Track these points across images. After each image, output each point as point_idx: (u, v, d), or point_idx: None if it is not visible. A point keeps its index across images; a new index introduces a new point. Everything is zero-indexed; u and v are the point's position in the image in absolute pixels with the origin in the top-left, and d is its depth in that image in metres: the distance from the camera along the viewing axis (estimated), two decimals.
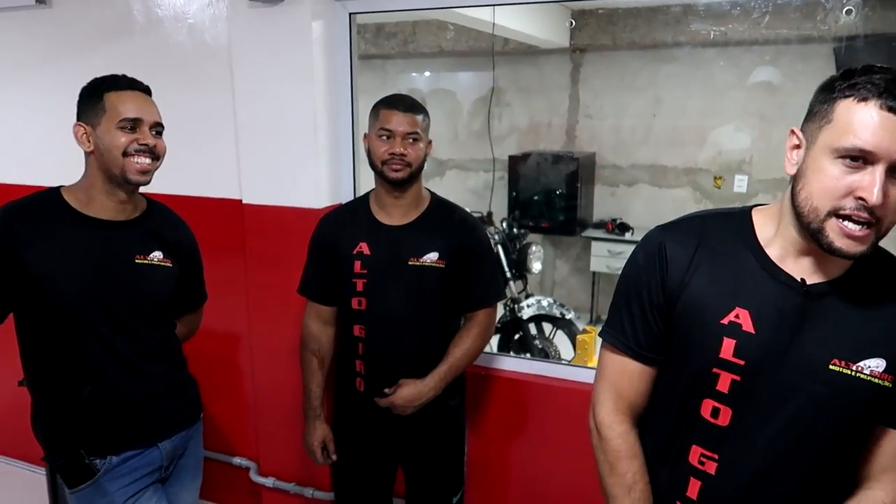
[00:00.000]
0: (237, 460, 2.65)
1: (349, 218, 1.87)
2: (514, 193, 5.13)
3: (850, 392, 1.02)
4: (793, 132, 1.05)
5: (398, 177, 1.73)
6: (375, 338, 1.80)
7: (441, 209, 1.86)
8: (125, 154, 1.50)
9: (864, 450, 1.09)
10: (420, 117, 1.76)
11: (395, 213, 1.81)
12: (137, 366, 1.60)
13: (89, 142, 1.52)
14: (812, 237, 1.00)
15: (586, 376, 2.11)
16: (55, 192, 1.57)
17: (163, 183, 2.42)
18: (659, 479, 1.18)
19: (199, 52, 2.34)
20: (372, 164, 1.79)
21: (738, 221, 1.13)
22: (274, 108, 2.21)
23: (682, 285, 1.11)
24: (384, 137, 1.74)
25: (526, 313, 3.76)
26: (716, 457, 1.10)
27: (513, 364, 2.19)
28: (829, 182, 0.96)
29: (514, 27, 4.11)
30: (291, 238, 2.28)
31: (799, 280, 1.05)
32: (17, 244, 1.46)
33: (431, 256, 1.77)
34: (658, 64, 4.87)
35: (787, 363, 1.04)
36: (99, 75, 1.58)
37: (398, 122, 1.72)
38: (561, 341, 3.91)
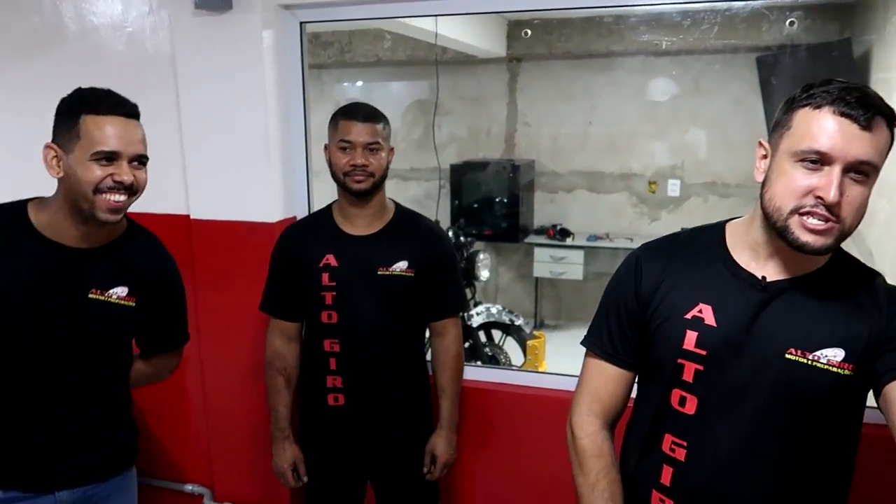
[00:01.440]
0: (189, 487, 2.53)
1: (312, 230, 1.82)
2: (457, 202, 5.14)
3: (807, 379, 1.07)
4: (760, 143, 1.12)
5: (361, 188, 1.70)
6: (350, 350, 1.76)
7: (407, 218, 1.84)
8: (97, 191, 1.32)
9: None
10: (380, 126, 1.73)
11: (360, 224, 1.78)
12: (50, 408, 1.42)
13: (59, 167, 1.34)
14: (780, 236, 1.06)
15: (546, 382, 2.13)
16: (21, 205, 1.42)
17: None
18: (638, 471, 1.23)
19: (140, 62, 2.24)
20: (334, 176, 1.75)
21: (711, 232, 1.21)
22: (223, 120, 2.13)
23: (653, 291, 1.20)
24: (345, 149, 1.70)
25: (475, 321, 3.77)
26: (684, 444, 1.15)
27: (477, 374, 2.19)
28: (790, 184, 1.03)
29: (453, 36, 4.13)
30: (243, 254, 2.21)
31: (760, 277, 1.11)
32: None
33: (401, 265, 1.74)
34: (592, 73, 5.00)
35: (746, 353, 1.10)
36: (67, 91, 1.40)
37: (358, 132, 1.69)
38: (511, 347, 3.94)
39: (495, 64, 5.21)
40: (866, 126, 0.98)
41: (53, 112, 1.40)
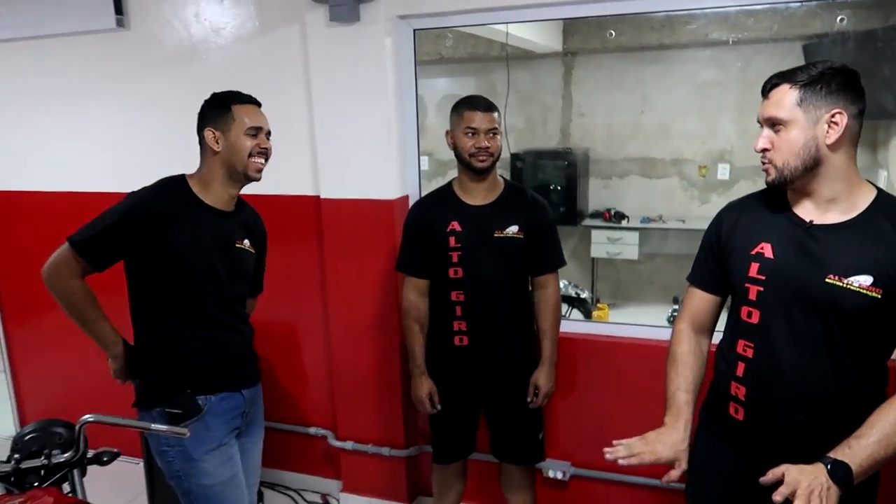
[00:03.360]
0: (313, 430, 2.95)
1: (439, 202, 2.22)
2: None
3: (842, 298, 1.40)
4: (840, 112, 1.41)
5: (484, 166, 2.09)
6: (473, 300, 2.15)
7: (515, 190, 2.22)
8: (249, 155, 1.86)
9: None
10: (496, 114, 2.11)
11: (478, 195, 2.16)
12: (236, 328, 1.96)
13: (218, 143, 1.86)
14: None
15: (620, 332, 2.51)
16: (182, 179, 1.90)
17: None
18: (721, 369, 1.62)
19: (277, 64, 2.66)
20: (459, 157, 2.13)
21: (776, 191, 1.56)
22: (349, 114, 2.53)
23: (729, 236, 1.61)
24: (469, 134, 2.08)
25: None
26: (752, 345, 1.53)
27: (570, 326, 2.54)
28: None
29: (517, 34, 4.48)
30: (366, 226, 2.61)
31: (807, 221, 1.47)
32: (163, 222, 1.78)
33: (513, 229, 2.13)
34: (644, 64, 5.29)
35: (795, 277, 1.45)
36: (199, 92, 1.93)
37: (480, 120, 2.08)
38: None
39: (551, 58, 5.53)
40: (764, 96, 1.48)
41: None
